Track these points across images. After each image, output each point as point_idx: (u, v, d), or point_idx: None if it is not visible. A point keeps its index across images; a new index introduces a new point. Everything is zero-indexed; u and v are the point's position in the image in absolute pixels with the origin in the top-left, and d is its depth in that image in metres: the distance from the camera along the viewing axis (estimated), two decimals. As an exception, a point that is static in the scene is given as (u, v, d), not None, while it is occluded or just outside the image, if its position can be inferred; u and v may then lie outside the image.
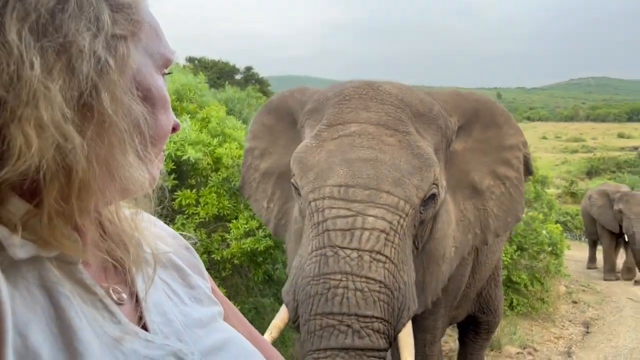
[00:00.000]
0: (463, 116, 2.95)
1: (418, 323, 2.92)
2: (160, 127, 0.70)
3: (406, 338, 2.33)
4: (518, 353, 6.06)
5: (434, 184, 2.46)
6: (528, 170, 3.31)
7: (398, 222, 2.30)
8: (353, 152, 2.40)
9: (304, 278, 2.22)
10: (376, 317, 2.10)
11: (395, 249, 2.26)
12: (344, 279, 2.12)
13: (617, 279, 10.34)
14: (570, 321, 7.58)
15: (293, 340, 5.55)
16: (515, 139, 3.16)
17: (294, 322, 2.30)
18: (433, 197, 2.51)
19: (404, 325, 2.25)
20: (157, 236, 0.80)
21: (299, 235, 2.99)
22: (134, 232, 0.73)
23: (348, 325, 2.06)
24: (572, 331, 7.17)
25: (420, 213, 2.45)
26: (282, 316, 2.40)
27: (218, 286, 3.56)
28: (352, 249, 2.18)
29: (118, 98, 0.60)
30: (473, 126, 3.01)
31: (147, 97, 0.67)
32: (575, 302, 8.50)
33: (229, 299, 3.63)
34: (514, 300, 7.27)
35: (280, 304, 5.94)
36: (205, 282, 0.85)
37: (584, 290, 9.20)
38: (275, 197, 3.17)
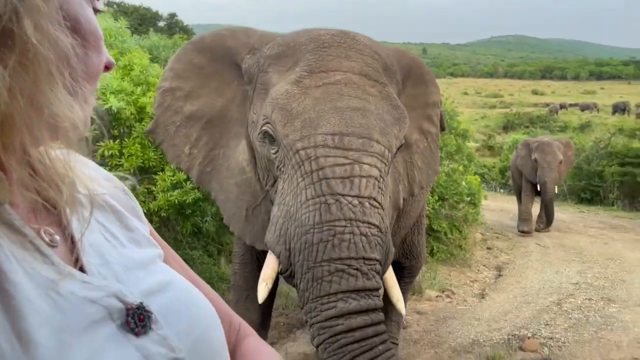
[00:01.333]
0: (401, 72, 2.99)
1: None
2: (92, 63, 0.66)
3: (392, 278, 2.45)
4: (437, 296, 6.44)
5: (404, 134, 2.55)
6: (442, 126, 3.48)
7: (384, 169, 2.36)
8: (342, 101, 2.38)
9: (300, 227, 2.21)
10: (377, 260, 2.17)
11: (383, 195, 2.33)
12: (348, 225, 2.15)
13: (530, 232, 10.30)
14: (484, 266, 8.11)
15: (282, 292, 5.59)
16: (437, 97, 3.29)
17: (285, 272, 2.30)
18: (400, 147, 2.59)
19: (388, 266, 2.34)
20: (91, 178, 0.76)
21: (247, 186, 2.95)
22: (67, 172, 0.68)
23: (357, 269, 2.10)
24: (486, 275, 7.68)
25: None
26: (272, 266, 2.37)
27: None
28: (353, 196, 2.21)
29: (42, 26, 0.55)
30: (406, 83, 3.06)
31: (76, 29, 0.62)
32: (489, 249, 9.08)
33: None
34: (435, 248, 7.65)
35: (210, 256, 5.87)
36: (143, 225, 0.82)
37: (497, 238, 9.82)
38: (201, 144, 3.04)
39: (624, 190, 15.12)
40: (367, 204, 2.22)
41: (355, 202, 2.20)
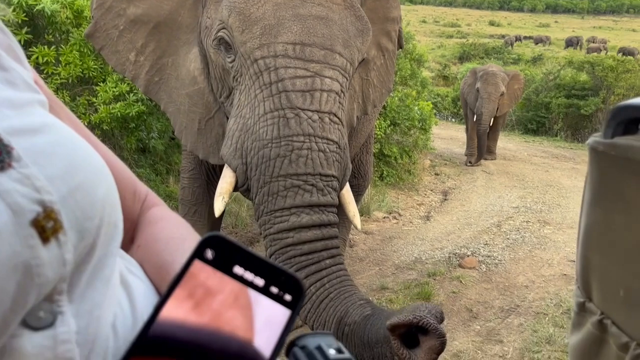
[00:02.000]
0: None
1: None
2: None
3: (348, 194, 2.42)
4: (384, 217, 6.62)
5: (366, 47, 2.47)
6: (400, 44, 3.38)
7: (345, 84, 2.30)
8: (305, 8, 2.26)
9: (257, 141, 2.16)
10: (334, 176, 2.15)
11: (343, 111, 2.27)
12: (307, 140, 2.11)
13: (476, 163, 10.09)
14: (431, 190, 8.34)
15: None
16: (397, 12, 3.19)
17: (242, 186, 2.27)
18: (362, 62, 2.52)
19: (345, 183, 2.32)
20: None
21: (199, 97, 2.81)
22: None
23: (312, 185, 2.09)
24: (432, 199, 7.92)
25: None
26: (229, 180, 2.32)
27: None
28: (313, 111, 2.16)
29: None
30: None
31: None
32: (437, 174, 9.31)
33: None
34: (384, 172, 7.78)
35: (157, 175, 5.75)
36: (24, 70, 0.68)
37: (445, 164, 10.07)
38: (148, 50, 2.87)
39: (567, 121, 15.65)
40: (327, 120, 2.18)
41: (315, 117, 2.16)
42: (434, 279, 4.78)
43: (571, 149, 13.43)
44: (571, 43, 44.30)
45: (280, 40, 2.21)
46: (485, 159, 10.56)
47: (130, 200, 0.77)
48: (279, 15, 2.25)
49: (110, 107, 4.14)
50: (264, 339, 0.43)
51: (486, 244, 5.81)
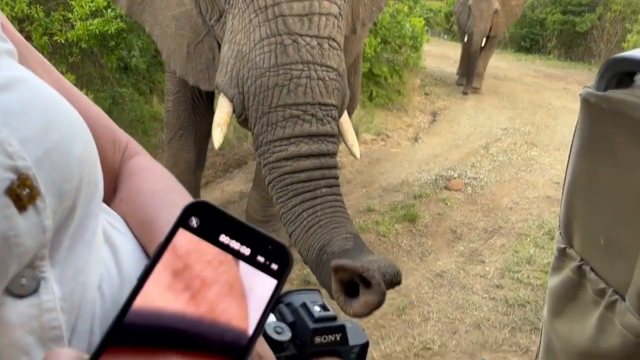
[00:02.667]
0: None
1: None
2: None
3: (346, 122, 2.40)
4: (372, 140, 6.62)
5: None
6: None
7: (343, 6, 2.22)
8: None
9: (254, 69, 2.10)
10: (333, 105, 2.11)
11: (341, 35, 2.21)
12: (305, 68, 2.06)
13: (467, 89, 9.36)
14: (420, 111, 8.30)
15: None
16: None
17: (240, 116, 2.23)
18: None
19: (344, 111, 2.29)
20: None
21: (186, 19, 2.69)
22: None
23: (312, 114, 2.06)
24: (421, 120, 7.90)
25: None
26: (226, 110, 2.27)
27: (66, 72, 3.21)
28: (312, 37, 2.09)
29: None
30: None
31: None
32: (427, 94, 9.22)
33: (80, 88, 3.30)
34: (374, 92, 7.68)
35: (140, 94, 5.63)
36: None
37: (436, 84, 9.95)
38: None
39: (562, 39, 15.38)
40: (326, 45, 2.12)
41: (314, 43, 2.10)
42: (420, 201, 4.86)
43: (563, 68, 13.29)
44: None
45: None
46: (473, 89, 9.56)
47: (110, 151, 0.74)
48: None
49: (88, 24, 3.97)
50: (250, 309, 0.43)
51: (473, 166, 5.88)
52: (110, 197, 0.73)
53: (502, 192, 5.20)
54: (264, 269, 0.44)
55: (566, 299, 0.74)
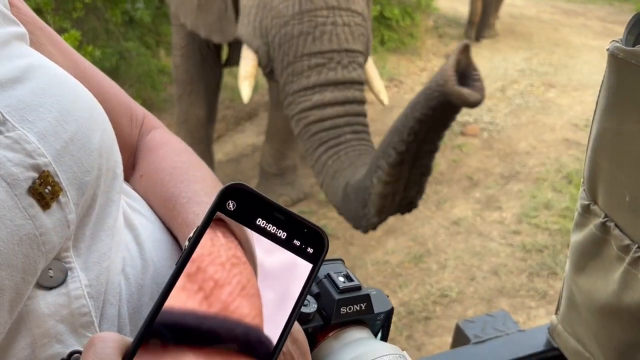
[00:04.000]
0: None
1: None
2: None
3: (372, 69, 2.43)
4: (385, 86, 6.51)
5: None
6: None
7: None
8: None
9: (277, 18, 2.08)
10: (359, 51, 2.10)
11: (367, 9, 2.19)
12: (330, 14, 2.03)
13: (477, 37, 8.58)
14: (434, 54, 8.13)
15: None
16: None
17: (265, 68, 2.22)
18: None
19: (368, 56, 2.28)
20: None
21: None
22: None
23: (338, 62, 2.05)
24: (435, 63, 7.73)
25: None
26: (251, 62, 2.27)
27: (70, 29, 3.17)
28: None
29: None
30: None
31: None
32: (440, 36, 9.00)
33: (86, 44, 3.28)
34: (385, 36, 7.51)
35: (147, 48, 5.58)
36: None
37: (449, 25, 9.68)
38: None
39: (581, -28, 14.78)
40: (358, 19, 2.11)
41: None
42: (435, 148, 4.84)
43: (582, 3, 12.81)
44: None
45: None
46: (482, 36, 8.74)
47: (127, 127, 0.74)
48: None
49: (89, -23, 3.89)
50: (288, 290, 0.44)
51: (489, 110, 5.79)
52: (129, 173, 0.73)
53: (519, 136, 5.14)
54: (300, 252, 0.44)
55: (589, 254, 0.75)
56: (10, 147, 0.46)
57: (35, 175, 0.47)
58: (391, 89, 6.51)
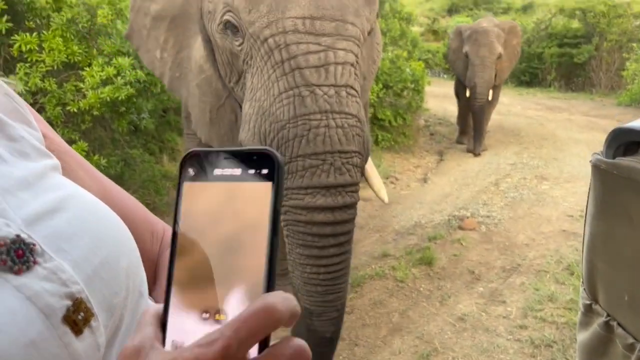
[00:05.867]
0: None
1: None
2: None
3: (372, 169, 2.43)
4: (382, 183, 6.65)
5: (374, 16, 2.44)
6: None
7: (359, 54, 2.25)
8: None
9: (275, 122, 2.12)
10: (355, 152, 2.11)
11: (358, 82, 2.23)
12: (324, 117, 2.06)
13: (479, 151, 8.06)
14: (427, 151, 8.37)
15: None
16: None
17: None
18: (370, 32, 2.46)
19: (368, 156, 2.29)
20: None
21: (207, 85, 2.77)
22: None
23: (331, 164, 2.05)
24: (429, 160, 7.95)
25: None
26: None
27: (78, 141, 3.30)
28: (329, 86, 2.10)
29: None
30: None
31: None
32: (432, 134, 9.32)
33: (93, 153, 3.40)
34: (379, 136, 7.78)
35: (151, 154, 5.74)
36: (33, 131, 0.67)
37: (440, 124, 10.06)
38: (169, 46, 2.86)
39: (561, 71, 15.61)
40: (343, 93, 2.13)
41: (332, 92, 2.11)
42: (435, 243, 4.85)
43: (565, 99, 13.43)
44: None
45: (289, 16, 2.15)
46: (471, 152, 8.19)
47: (149, 242, 0.78)
48: None
49: (99, 92, 4.09)
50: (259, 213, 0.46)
51: (485, 203, 5.88)
52: (151, 287, 0.75)
53: (517, 229, 5.18)
54: (259, 178, 0.46)
55: (597, 353, 0.75)
56: (48, 277, 0.49)
57: (70, 303, 0.50)
58: (388, 186, 6.63)
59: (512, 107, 11.84)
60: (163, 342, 0.44)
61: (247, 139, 2.26)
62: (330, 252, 2.08)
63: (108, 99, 4.09)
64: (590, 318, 0.75)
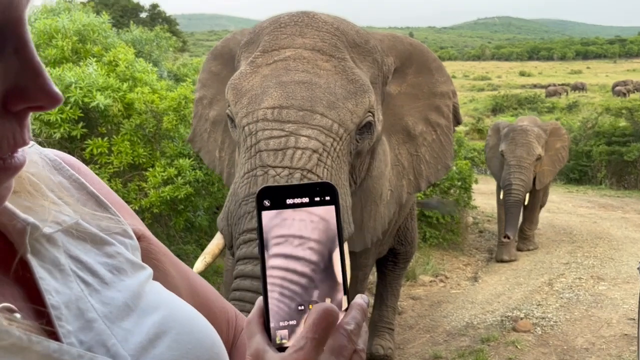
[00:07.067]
0: (398, 58, 2.92)
1: (351, 261, 2.92)
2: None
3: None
4: (431, 281, 6.53)
5: (369, 111, 2.45)
6: (457, 120, 3.28)
7: (332, 144, 2.30)
8: (287, 75, 2.36)
9: (236, 202, 2.24)
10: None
11: (328, 170, 2.28)
12: None
13: (514, 259, 7.45)
14: (476, 249, 8.21)
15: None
16: (446, 87, 3.15)
17: (229, 248, 2.34)
18: (369, 125, 2.50)
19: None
20: (55, 202, 0.64)
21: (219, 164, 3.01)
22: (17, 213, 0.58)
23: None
24: (478, 258, 7.78)
25: (357, 141, 2.46)
26: (216, 242, 2.43)
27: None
28: (283, 167, 2.20)
29: None
30: (407, 70, 2.99)
31: None
32: (481, 232, 9.18)
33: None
34: (427, 233, 7.73)
35: (202, 250, 5.94)
36: (128, 241, 0.69)
37: (488, 221, 9.91)
38: (225, 146, 3.08)
39: (611, 169, 15.31)
40: (297, 175, 2.20)
41: (284, 173, 2.20)
42: (489, 345, 4.64)
43: (618, 197, 13.06)
44: (618, 92, 36.63)
45: (262, 107, 2.31)
46: (520, 250, 7.80)
47: (226, 333, 0.83)
48: (264, 85, 2.36)
49: (160, 191, 4.35)
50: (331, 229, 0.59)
51: (539, 304, 5.64)
52: None
53: (575, 332, 4.91)
54: (323, 203, 0.59)
55: None
56: None
57: None
58: (437, 284, 6.50)
59: (562, 204, 11.60)
60: (270, 339, 0.55)
61: (219, 219, 2.39)
62: (243, 307, 2.16)
63: (168, 197, 4.33)
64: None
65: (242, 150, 2.35)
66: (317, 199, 0.59)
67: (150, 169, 4.52)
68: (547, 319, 5.20)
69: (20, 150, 0.52)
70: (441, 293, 6.18)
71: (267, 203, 0.59)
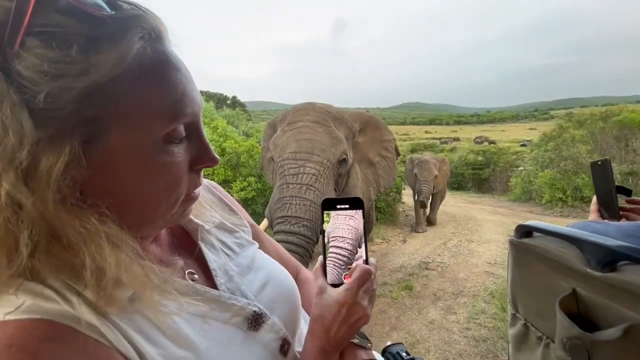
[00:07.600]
0: (361, 123, 2.92)
1: None
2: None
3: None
4: (381, 242, 6.45)
5: (344, 152, 2.46)
6: (397, 153, 3.31)
7: (323, 171, 2.30)
8: (300, 135, 2.38)
9: (272, 202, 2.27)
10: (303, 218, 2.13)
11: (321, 185, 2.26)
12: (291, 200, 2.16)
13: (424, 231, 7.24)
14: (404, 225, 8.09)
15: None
16: (390, 136, 3.14)
17: (271, 227, 2.31)
18: (344, 160, 2.49)
19: (316, 220, 2.22)
20: (209, 210, 0.59)
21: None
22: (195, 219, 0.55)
23: (288, 222, 2.12)
24: (406, 230, 7.66)
25: (337, 168, 2.45)
26: (264, 222, 2.43)
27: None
28: (297, 183, 2.20)
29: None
30: (367, 129, 2.98)
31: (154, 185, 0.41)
32: (407, 215, 9.01)
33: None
34: (378, 216, 7.61)
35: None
36: (243, 227, 0.62)
37: (411, 210, 9.78)
38: (272, 170, 3.01)
39: (474, 182, 15.30)
40: (304, 188, 2.19)
41: (297, 186, 2.20)
42: (413, 277, 4.59)
43: (478, 197, 13.02)
44: (478, 141, 37.62)
45: (287, 152, 2.34)
46: (429, 225, 7.72)
47: (295, 277, 0.72)
48: (288, 140, 2.39)
49: (239, 194, 4.32)
50: (360, 225, 0.54)
51: (439, 255, 5.59)
52: None
53: (459, 270, 4.87)
54: (357, 208, 0.54)
55: (520, 341, 0.72)
56: (271, 329, 0.51)
57: (281, 342, 0.51)
58: (384, 244, 6.43)
59: (449, 201, 11.53)
60: (326, 280, 0.51)
61: (266, 211, 2.37)
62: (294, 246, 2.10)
63: (243, 197, 4.29)
64: (515, 321, 0.74)
65: (277, 173, 2.36)
66: (354, 205, 0.54)
67: (234, 182, 4.50)
68: (444, 263, 5.15)
69: (198, 188, 0.49)
70: (385, 249, 6.13)
71: (326, 206, 0.54)
